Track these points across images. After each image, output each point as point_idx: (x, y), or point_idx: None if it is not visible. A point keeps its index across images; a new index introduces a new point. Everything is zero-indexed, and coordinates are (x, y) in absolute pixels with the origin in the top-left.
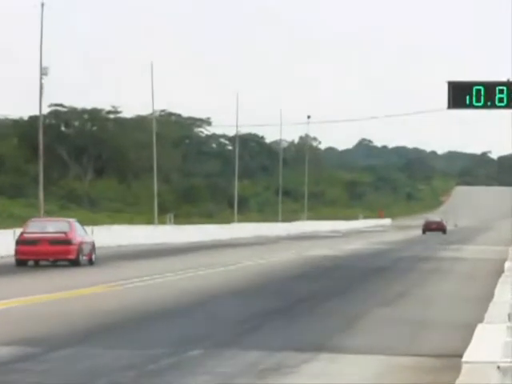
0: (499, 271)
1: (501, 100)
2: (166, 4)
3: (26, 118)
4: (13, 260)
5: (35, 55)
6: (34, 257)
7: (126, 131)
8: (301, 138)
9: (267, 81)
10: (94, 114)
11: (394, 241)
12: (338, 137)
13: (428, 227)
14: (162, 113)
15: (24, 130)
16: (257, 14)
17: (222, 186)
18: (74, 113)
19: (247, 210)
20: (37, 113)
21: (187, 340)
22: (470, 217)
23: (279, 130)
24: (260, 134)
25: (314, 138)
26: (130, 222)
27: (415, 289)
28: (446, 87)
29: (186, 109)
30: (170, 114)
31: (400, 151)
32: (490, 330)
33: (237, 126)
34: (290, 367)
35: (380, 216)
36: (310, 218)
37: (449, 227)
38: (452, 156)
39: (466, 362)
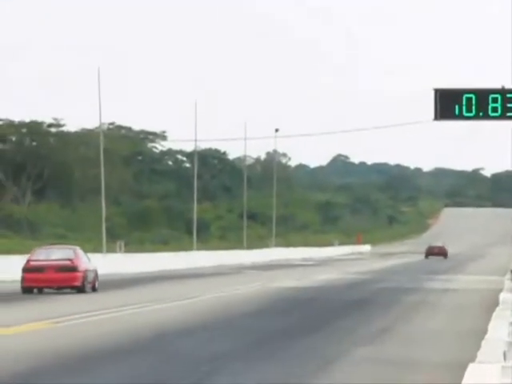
0: (493, 304)
1: (494, 110)
2: (117, 7)
3: None
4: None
5: None
6: (40, 284)
7: (70, 147)
8: (268, 154)
9: (230, 91)
10: (34, 128)
11: (374, 270)
12: (309, 153)
13: (430, 252)
14: (111, 126)
15: None
16: (220, 19)
17: (178, 208)
18: (11, 126)
19: (207, 236)
20: None
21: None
22: (461, 242)
23: (243, 145)
24: (222, 149)
25: (283, 154)
26: None
27: (398, 325)
28: (432, 96)
29: (137, 122)
30: (120, 128)
31: (380, 168)
32: (483, 371)
33: (195, 141)
34: None
35: (358, 242)
36: (278, 245)
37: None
38: (439, 173)
39: None
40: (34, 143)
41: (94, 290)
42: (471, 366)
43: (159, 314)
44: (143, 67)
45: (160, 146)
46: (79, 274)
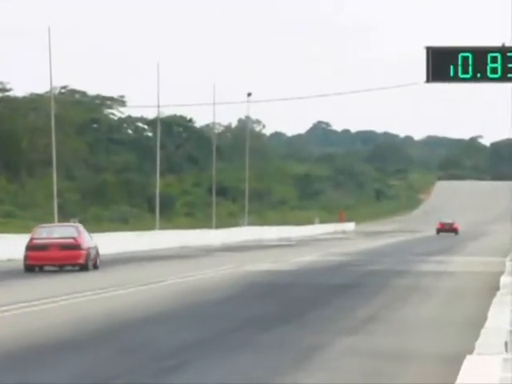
0: (493, 288)
1: (494, 71)
2: None
3: None
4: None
5: None
6: (43, 262)
7: (17, 114)
8: (240, 121)
9: (197, 51)
10: None
11: (360, 251)
12: (286, 119)
13: (441, 228)
14: (63, 90)
15: None
16: None
17: (139, 183)
18: None
19: (172, 213)
20: None
21: (91, 381)
22: (456, 220)
23: (212, 111)
24: (188, 116)
25: (257, 121)
26: (24, 229)
27: (388, 312)
28: (423, 55)
29: (93, 85)
30: (73, 92)
31: (366, 137)
32: (482, 363)
33: (158, 107)
34: None
35: (341, 220)
36: (252, 224)
37: (430, 233)
38: (432, 142)
39: None
40: None
41: (95, 267)
42: (469, 359)
43: (117, 301)
44: (99, 25)
45: (118, 113)
46: (83, 252)
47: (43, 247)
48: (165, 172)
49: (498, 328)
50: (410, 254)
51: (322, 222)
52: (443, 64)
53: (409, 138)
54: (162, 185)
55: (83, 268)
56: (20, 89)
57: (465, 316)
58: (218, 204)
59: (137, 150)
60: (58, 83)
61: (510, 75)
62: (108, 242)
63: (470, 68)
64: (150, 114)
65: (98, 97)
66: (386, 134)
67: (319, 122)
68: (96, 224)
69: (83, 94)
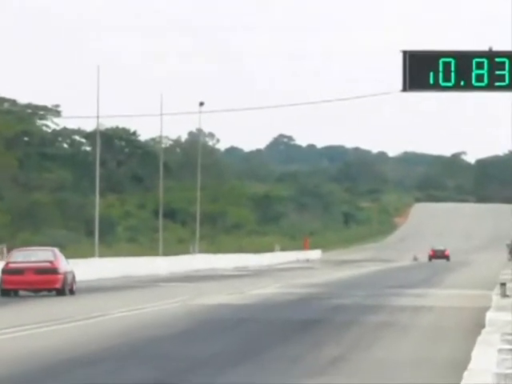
0: (478, 326)
1: (479, 78)
2: None
3: None
4: None
5: None
6: (19, 286)
7: None
8: (190, 134)
9: (142, 56)
10: None
11: (327, 282)
12: (243, 133)
13: (433, 255)
14: None
15: None
16: None
17: (76, 204)
18: None
19: (113, 238)
20: None
21: None
22: (436, 247)
23: (159, 123)
24: (132, 128)
25: (210, 135)
26: None
27: (358, 352)
28: (400, 60)
29: (24, 93)
30: (2, 101)
31: (334, 153)
32: None
33: (97, 117)
34: None
35: (305, 247)
36: (204, 251)
37: (406, 262)
38: (409, 159)
39: None
40: None
41: (71, 292)
42: None
43: (44, 339)
44: (30, 25)
45: (52, 124)
46: (60, 276)
47: (19, 271)
48: (105, 192)
49: (483, 370)
50: (383, 286)
51: (283, 249)
52: (422, 70)
53: (382, 155)
54: (102, 206)
55: (60, 293)
56: None
57: (445, 357)
58: (165, 228)
59: (73, 166)
60: None
61: (497, 83)
62: None
63: (453, 75)
64: (89, 126)
65: (29, 106)
66: (356, 149)
67: (280, 136)
68: None
69: (13, 102)
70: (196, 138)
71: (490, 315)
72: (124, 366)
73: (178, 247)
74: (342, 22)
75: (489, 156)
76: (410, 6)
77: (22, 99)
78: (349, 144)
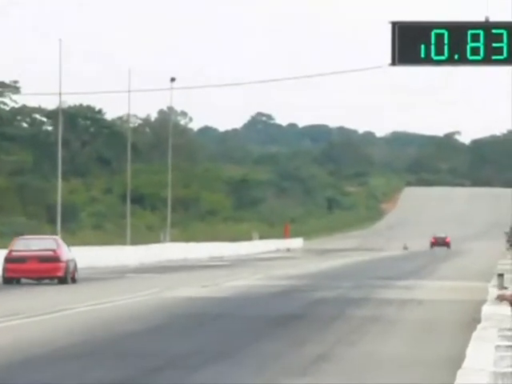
0: (473, 320)
1: (475, 51)
2: None
3: None
4: None
5: None
6: (22, 274)
7: None
8: (161, 112)
9: (108, 29)
10: None
11: (309, 273)
12: (218, 111)
13: (435, 243)
14: None
15: None
16: None
17: (37, 188)
18: None
19: (77, 225)
20: None
21: None
22: (428, 235)
23: (126, 101)
24: (97, 106)
25: (182, 113)
26: None
27: (343, 348)
28: (388, 31)
29: None
30: None
31: (316, 133)
32: None
33: (60, 94)
34: None
35: (286, 235)
36: (175, 239)
37: (395, 251)
38: (398, 140)
39: None
40: None
41: (73, 281)
42: None
43: (2, 335)
44: None
45: (11, 102)
46: (62, 265)
47: (22, 259)
48: (68, 175)
49: (478, 369)
50: (369, 277)
51: (262, 237)
52: (413, 43)
53: (369, 135)
54: (65, 191)
55: (62, 281)
56: None
57: (438, 354)
58: (133, 215)
59: (34, 147)
60: None
61: (494, 57)
62: None
63: (446, 48)
64: (50, 104)
65: None
66: (341, 129)
67: (259, 115)
68: None
69: None
70: (167, 116)
71: (486, 309)
72: (89, 365)
73: (148, 235)
74: None
75: (485, 136)
76: None
77: None
78: (333, 123)
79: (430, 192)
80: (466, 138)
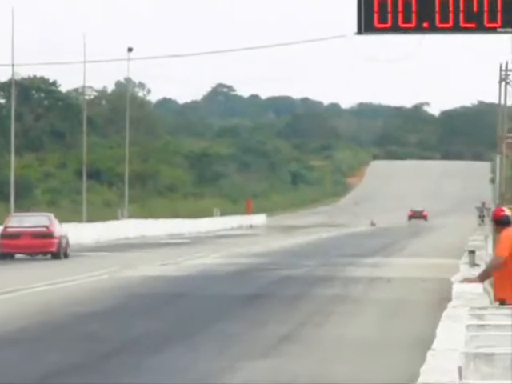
0: (443, 299)
1: (445, 18)
2: None
3: None
4: None
5: None
6: (16, 250)
7: None
8: (118, 84)
9: None
10: None
11: (273, 251)
12: (177, 83)
13: (413, 215)
14: None
15: None
16: None
17: None
18: None
19: (31, 202)
20: None
21: None
22: (396, 210)
23: (82, 72)
24: (51, 78)
25: (140, 85)
26: None
27: (307, 330)
28: None
29: None
30: None
31: (280, 105)
32: None
33: (12, 65)
34: None
35: (248, 211)
36: (133, 216)
37: (362, 227)
38: (365, 112)
39: None
40: None
41: (66, 256)
42: None
43: None
44: None
45: None
46: (55, 241)
47: (17, 235)
48: (21, 150)
49: (449, 350)
50: (336, 255)
51: (223, 213)
52: (379, 10)
53: (335, 106)
54: (18, 166)
55: (55, 256)
56: None
57: (406, 334)
58: (89, 190)
59: None
60: None
61: (465, 25)
62: None
63: (414, 15)
64: (2, 76)
65: None
66: (305, 100)
67: (219, 86)
68: None
69: None
70: (124, 88)
71: (457, 287)
72: (48, 348)
73: (105, 212)
74: None
75: (455, 107)
76: None
77: None
78: (297, 95)
79: (398, 166)
80: (435, 110)
